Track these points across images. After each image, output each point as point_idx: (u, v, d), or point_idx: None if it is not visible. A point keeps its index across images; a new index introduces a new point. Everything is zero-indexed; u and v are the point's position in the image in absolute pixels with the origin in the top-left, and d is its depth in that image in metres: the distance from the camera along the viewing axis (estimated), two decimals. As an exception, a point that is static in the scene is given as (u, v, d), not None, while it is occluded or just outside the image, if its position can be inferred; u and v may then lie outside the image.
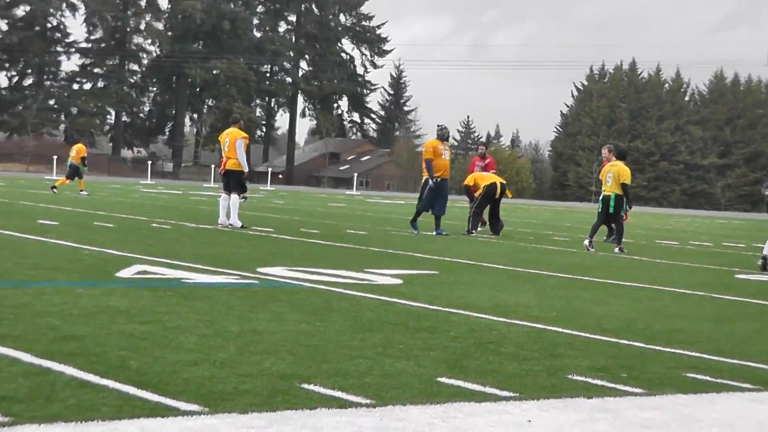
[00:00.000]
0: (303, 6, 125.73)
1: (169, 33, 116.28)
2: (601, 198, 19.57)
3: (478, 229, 22.70)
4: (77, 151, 34.77)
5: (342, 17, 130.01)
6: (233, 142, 19.37)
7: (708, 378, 6.18)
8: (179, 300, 8.17)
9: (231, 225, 19.06)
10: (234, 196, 19.29)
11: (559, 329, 7.90)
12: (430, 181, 20.93)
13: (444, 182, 21.11)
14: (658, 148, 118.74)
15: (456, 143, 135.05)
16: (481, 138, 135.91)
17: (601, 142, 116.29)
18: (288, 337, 6.69)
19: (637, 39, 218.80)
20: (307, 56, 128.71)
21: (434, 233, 20.91)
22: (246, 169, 19.48)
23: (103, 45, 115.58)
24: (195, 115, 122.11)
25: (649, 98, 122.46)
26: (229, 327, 6.95)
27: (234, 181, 19.47)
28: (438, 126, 21.52)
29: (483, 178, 22.94)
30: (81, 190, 33.82)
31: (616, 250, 19.13)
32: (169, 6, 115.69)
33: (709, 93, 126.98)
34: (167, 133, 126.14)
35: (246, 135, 19.65)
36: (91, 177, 59.52)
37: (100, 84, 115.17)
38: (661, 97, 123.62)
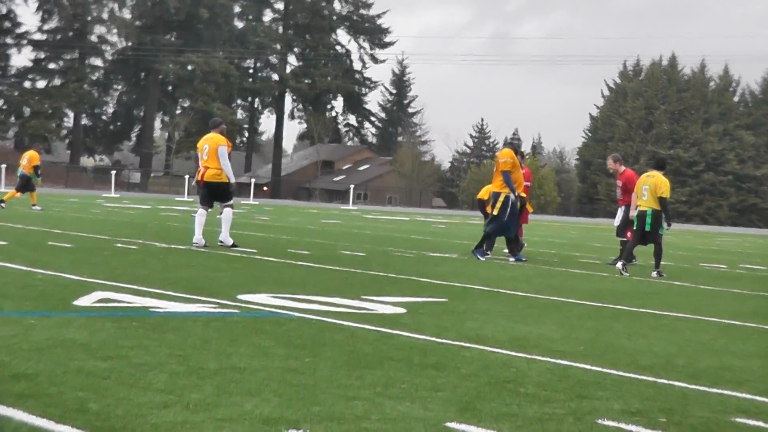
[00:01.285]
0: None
1: (137, 23, 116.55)
2: (636, 214, 19.58)
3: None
4: (29, 159, 34.75)
5: (337, 4, 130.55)
6: (213, 149, 19.38)
7: (761, 424, 6.18)
8: (147, 332, 8.17)
9: (221, 242, 19.26)
10: (227, 210, 19.44)
11: (587, 366, 7.90)
12: (512, 197, 20.87)
13: (523, 200, 21.63)
14: (702, 157, 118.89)
15: (468, 149, 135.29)
16: (497, 143, 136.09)
17: (637, 149, 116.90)
18: (273, 375, 6.69)
19: (678, 30, 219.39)
20: (296, 49, 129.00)
21: (479, 255, 20.90)
22: (232, 180, 19.49)
23: (59, 36, 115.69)
24: (167, 118, 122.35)
25: (693, 98, 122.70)
26: (205, 364, 6.95)
27: (218, 194, 19.55)
28: (513, 135, 21.84)
29: None
30: (33, 205, 33.82)
31: (654, 274, 19.14)
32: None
33: (762, 93, 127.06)
34: (134, 139, 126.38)
35: (228, 142, 19.67)
36: (45, 189, 59.58)
37: (57, 81, 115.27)
38: (707, 98, 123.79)
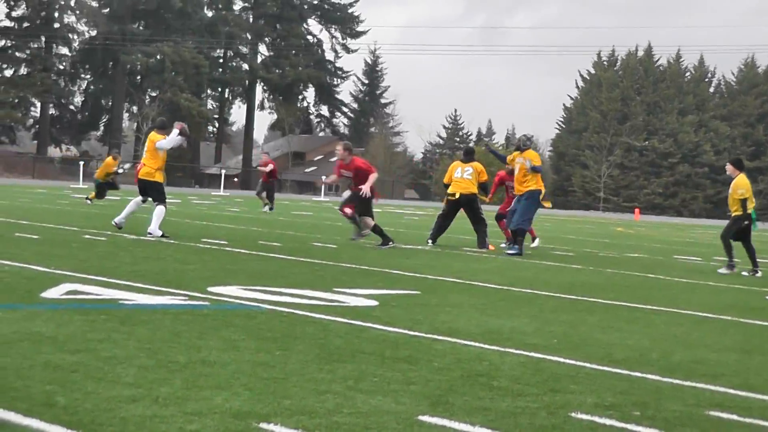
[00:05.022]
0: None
1: (105, 11, 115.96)
2: (736, 216, 20.73)
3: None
4: (104, 165, 34.91)
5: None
6: (151, 147, 20.25)
7: (735, 417, 6.22)
8: (115, 325, 8.16)
9: (150, 234, 19.46)
10: (160, 207, 19.89)
11: (561, 359, 7.93)
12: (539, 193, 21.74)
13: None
14: (678, 148, 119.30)
15: (441, 141, 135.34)
16: (470, 135, 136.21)
17: (612, 140, 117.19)
18: (243, 368, 6.69)
19: (654, 21, 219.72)
20: (266, 39, 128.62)
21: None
22: (173, 144, 20.33)
23: (26, 24, 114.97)
24: (135, 108, 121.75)
25: (668, 89, 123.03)
26: (175, 357, 6.95)
27: (152, 193, 20.21)
28: (525, 136, 22.31)
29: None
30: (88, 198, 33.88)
31: (758, 274, 19.99)
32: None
33: (738, 84, 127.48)
34: (102, 129, 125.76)
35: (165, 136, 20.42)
36: (10, 180, 59.32)
37: (23, 71, 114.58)
38: (682, 88, 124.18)
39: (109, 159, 35.31)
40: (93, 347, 7.10)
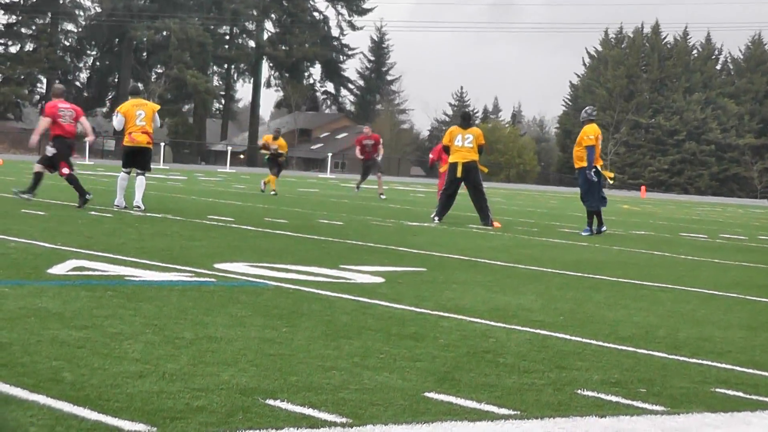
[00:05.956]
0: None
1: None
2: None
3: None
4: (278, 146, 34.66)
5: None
6: (151, 114, 20.69)
7: (740, 394, 6.22)
8: (122, 301, 8.17)
9: (138, 207, 19.75)
10: (144, 178, 20.53)
11: (567, 336, 7.94)
12: (588, 172, 21.48)
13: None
14: (684, 125, 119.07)
15: (447, 118, 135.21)
16: (476, 112, 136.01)
17: (618, 118, 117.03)
18: (250, 345, 6.70)
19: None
20: (273, 16, 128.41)
21: (583, 232, 21.71)
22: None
23: (31, 0, 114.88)
24: (141, 85, 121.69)
25: (675, 67, 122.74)
26: (181, 333, 6.96)
27: (147, 159, 20.77)
28: (593, 108, 22.17)
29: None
30: (271, 190, 33.58)
31: None
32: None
33: (745, 61, 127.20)
34: (108, 105, 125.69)
35: (158, 107, 21.18)
36: (17, 156, 59.34)
37: (29, 47, 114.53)
38: (689, 66, 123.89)
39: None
40: (99, 323, 7.11)
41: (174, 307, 8.04)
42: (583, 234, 21.28)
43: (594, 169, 21.29)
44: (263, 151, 36.55)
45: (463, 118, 23.13)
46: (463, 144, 22.07)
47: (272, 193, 32.70)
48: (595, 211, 21.53)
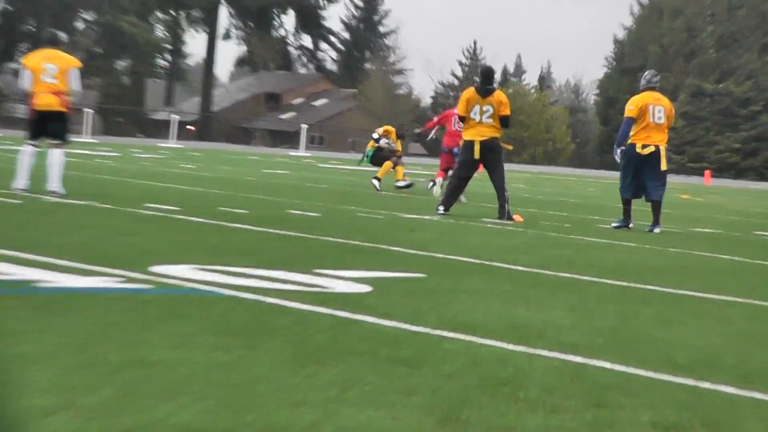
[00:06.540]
0: None
1: None
2: None
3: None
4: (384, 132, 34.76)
5: None
6: (65, 69, 20.53)
7: (832, 441, 6.18)
8: (30, 313, 8.13)
9: (54, 192, 19.76)
10: (60, 152, 20.31)
11: (608, 365, 7.89)
12: (617, 152, 21.87)
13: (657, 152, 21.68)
14: (760, 93, 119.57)
15: (456, 80, 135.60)
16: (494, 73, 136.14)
17: (676, 82, 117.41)
18: (196, 371, 6.65)
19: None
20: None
21: (648, 229, 21.81)
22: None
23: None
24: (64, 35, 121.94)
25: (748, 18, 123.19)
26: (105, 356, 6.90)
27: (61, 126, 20.69)
28: (653, 74, 21.97)
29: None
30: (397, 180, 33.85)
31: None
32: None
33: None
34: (21, 62, 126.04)
35: (79, 63, 20.90)
36: None
37: None
38: (766, 17, 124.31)
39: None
40: (-1, 342, 7.06)
41: (97, 322, 7.99)
42: (612, 225, 21.75)
43: (622, 148, 21.47)
44: (374, 146, 35.70)
45: (484, 77, 22.89)
46: (481, 119, 21.93)
47: (403, 183, 32.47)
48: (623, 199, 21.78)
